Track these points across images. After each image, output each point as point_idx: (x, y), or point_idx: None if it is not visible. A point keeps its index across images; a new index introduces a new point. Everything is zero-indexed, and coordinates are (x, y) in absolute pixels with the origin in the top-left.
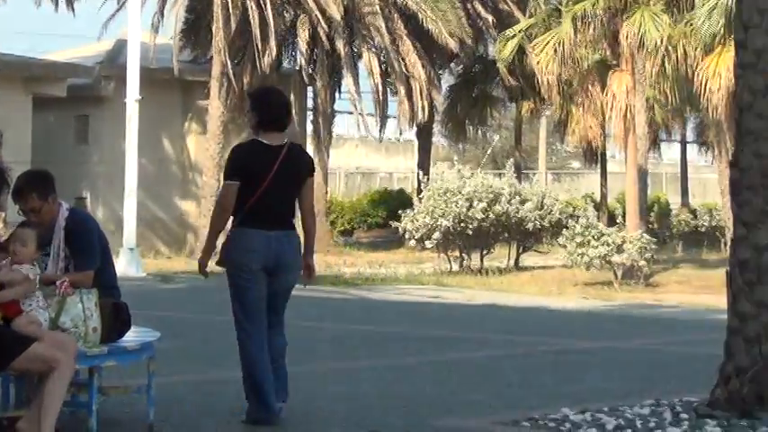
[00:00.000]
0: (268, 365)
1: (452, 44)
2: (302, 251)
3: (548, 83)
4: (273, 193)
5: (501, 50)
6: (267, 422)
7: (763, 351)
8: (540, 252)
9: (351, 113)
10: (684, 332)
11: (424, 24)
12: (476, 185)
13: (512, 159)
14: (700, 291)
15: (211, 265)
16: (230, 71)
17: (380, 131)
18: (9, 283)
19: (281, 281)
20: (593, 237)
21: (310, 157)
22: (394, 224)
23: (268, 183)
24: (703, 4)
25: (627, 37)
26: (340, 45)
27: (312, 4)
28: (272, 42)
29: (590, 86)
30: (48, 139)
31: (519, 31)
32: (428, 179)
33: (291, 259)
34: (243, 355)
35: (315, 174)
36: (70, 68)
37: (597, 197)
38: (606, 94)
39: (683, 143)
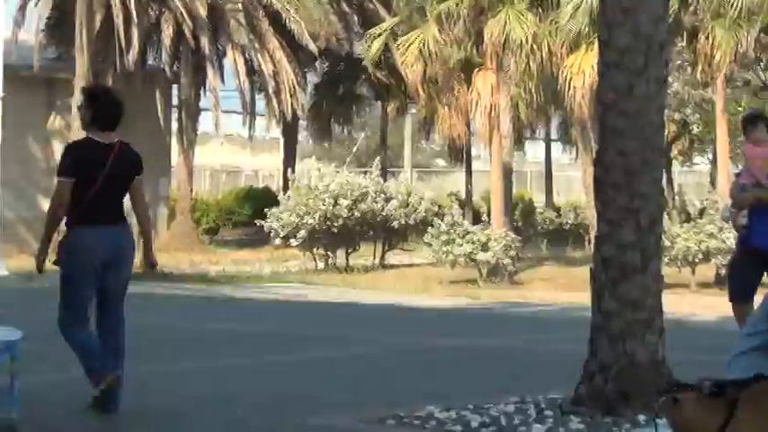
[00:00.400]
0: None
1: (312, 45)
2: (143, 248)
3: (413, 81)
4: (107, 190)
5: (367, 49)
6: (109, 369)
7: (626, 348)
8: (405, 250)
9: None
10: (549, 329)
11: (287, 23)
12: (341, 183)
13: (378, 157)
14: (564, 288)
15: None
16: (93, 69)
17: (251, 129)
18: None
19: (119, 273)
20: (458, 235)
21: (139, 156)
22: (259, 222)
23: (102, 180)
24: (567, 3)
25: (492, 36)
26: (204, 43)
27: (177, 1)
28: (137, 40)
29: (455, 85)
30: None
31: (385, 30)
32: (294, 178)
33: (129, 252)
34: (73, 339)
35: (143, 172)
36: None
37: (462, 195)
38: (471, 93)
39: (548, 141)
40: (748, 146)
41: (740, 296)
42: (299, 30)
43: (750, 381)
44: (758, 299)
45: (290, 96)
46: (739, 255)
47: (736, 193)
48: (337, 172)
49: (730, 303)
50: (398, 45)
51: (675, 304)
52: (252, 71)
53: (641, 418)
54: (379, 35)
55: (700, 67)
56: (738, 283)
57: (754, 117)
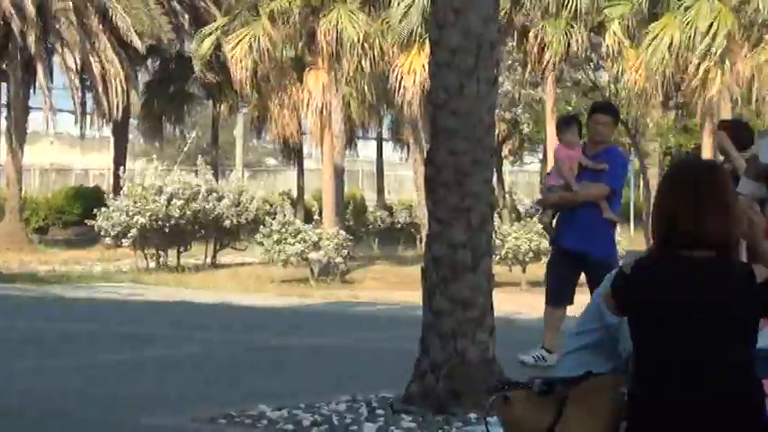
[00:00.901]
0: None
1: (138, 42)
2: None
3: (241, 78)
4: None
5: (198, 48)
6: None
7: (457, 347)
8: (237, 249)
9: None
10: (381, 328)
11: (114, 21)
12: (172, 182)
13: (201, 156)
14: (395, 287)
15: None
16: None
17: (82, 128)
18: None
19: None
20: (290, 234)
21: None
22: (89, 222)
23: None
24: (399, 3)
25: (324, 35)
26: (32, 40)
27: None
28: None
29: (288, 83)
30: None
31: (216, 29)
32: (125, 177)
33: None
34: None
35: None
36: None
37: (294, 194)
38: (303, 92)
39: (379, 140)
40: (560, 147)
41: (555, 298)
42: (126, 26)
43: (579, 379)
44: (584, 298)
45: (120, 95)
46: (553, 256)
47: (544, 193)
48: (169, 171)
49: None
50: (229, 40)
51: (506, 303)
52: (82, 69)
53: (472, 416)
54: (210, 34)
55: (530, 67)
56: (553, 284)
57: (569, 119)
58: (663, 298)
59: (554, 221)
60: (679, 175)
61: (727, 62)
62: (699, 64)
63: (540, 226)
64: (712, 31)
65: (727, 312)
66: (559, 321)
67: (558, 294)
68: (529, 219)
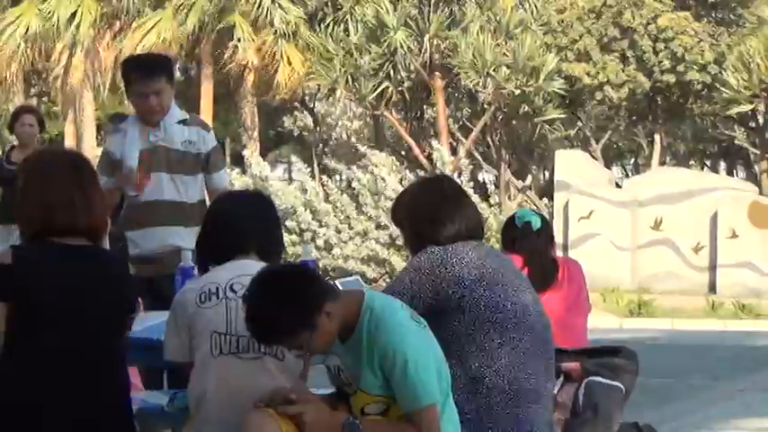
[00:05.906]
0: None
1: None
2: None
3: None
4: None
5: None
6: None
7: None
8: None
9: None
10: None
11: None
12: None
13: None
14: None
15: None
16: None
17: None
18: None
19: None
20: None
21: None
22: None
23: None
24: None
25: None
26: None
27: None
28: None
29: None
30: None
31: None
32: None
33: None
34: None
35: None
36: None
37: None
38: None
39: None
40: None
41: None
42: None
43: None
44: None
45: None
46: None
47: None
48: None
49: None
50: None
51: None
52: None
53: None
54: None
55: None
56: None
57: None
58: (42, 286)
59: None
60: (53, 165)
61: (89, 50)
62: (60, 51)
63: None
64: (74, 18)
65: (108, 299)
66: None
67: None
68: None
